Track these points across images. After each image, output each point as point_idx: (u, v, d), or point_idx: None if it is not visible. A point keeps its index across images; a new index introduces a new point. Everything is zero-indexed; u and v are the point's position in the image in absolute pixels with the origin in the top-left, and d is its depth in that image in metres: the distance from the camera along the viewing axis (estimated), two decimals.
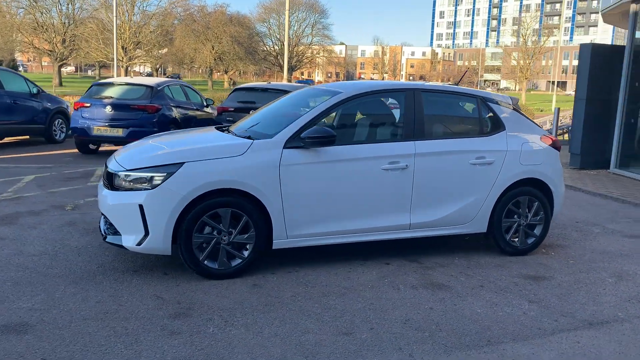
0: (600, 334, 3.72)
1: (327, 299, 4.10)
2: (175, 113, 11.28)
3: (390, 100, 5.35)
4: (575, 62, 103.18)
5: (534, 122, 5.65)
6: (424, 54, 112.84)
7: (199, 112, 12.51)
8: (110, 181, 4.44)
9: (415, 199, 4.86)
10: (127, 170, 4.32)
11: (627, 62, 10.68)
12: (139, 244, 4.23)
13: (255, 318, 3.73)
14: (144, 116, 10.59)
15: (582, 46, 11.28)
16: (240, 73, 75.34)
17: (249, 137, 4.65)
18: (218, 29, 55.82)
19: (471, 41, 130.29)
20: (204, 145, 4.56)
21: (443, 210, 4.98)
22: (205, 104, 13.02)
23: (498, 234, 5.20)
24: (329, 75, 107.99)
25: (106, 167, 4.68)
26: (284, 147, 4.47)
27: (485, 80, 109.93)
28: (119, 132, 10.48)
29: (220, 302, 3.97)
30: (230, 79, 63.18)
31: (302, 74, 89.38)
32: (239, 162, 4.34)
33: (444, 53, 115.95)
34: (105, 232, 4.55)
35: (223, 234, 4.34)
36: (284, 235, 4.51)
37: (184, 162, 4.24)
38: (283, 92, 11.22)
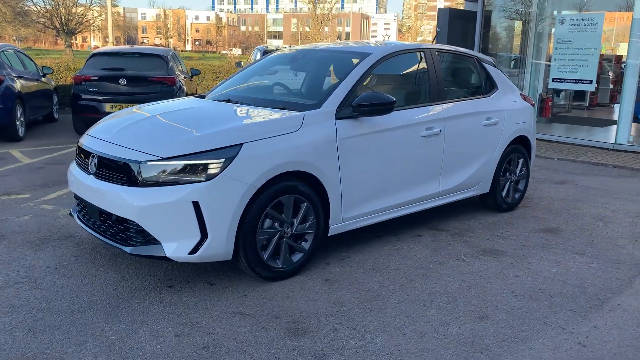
0: None
1: (417, 283, 3.72)
2: (18, 86, 9.15)
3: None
4: (348, 29, 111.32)
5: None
6: (208, 18, 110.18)
7: (37, 83, 10.37)
8: (127, 174, 3.35)
9: (444, 166, 4.66)
10: (164, 158, 3.29)
11: (479, 24, 11.71)
12: (194, 251, 3.29)
13: (378, 319, 3.20)
14: None
15: (440, 10, 12.04)
16: (15, 39, 64.39)
17: (282, 108, 3.91)
18: None
19: (252, 6, 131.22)
20: (254, 120, 3.69)
21: (463, 175, 4.87)
22: (42, 73, 10.83)
23: (498, 193, 5.30)
24: (107, 39, 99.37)
25: (95, 153, 3.54)
26: (336, 119, 3.86)
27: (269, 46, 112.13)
28: None
29: (318, 307, 3.32)
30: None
31: (84, 39, 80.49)
32: (297, 138, 3.62)
33: (228, 18, 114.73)
34: (118, 241, 3.46)
35: (286, 226, 3.62)
36: (339, 219, 3.95)
37: (242, 143, 3.38)
38: (156, 56, 9.91)
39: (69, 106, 12.82)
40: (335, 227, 3.95)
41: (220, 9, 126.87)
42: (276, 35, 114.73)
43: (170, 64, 9.90)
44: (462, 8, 12.80)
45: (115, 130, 3.72)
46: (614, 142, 9.48)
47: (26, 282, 3.54)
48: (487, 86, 5.24)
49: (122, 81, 9.26)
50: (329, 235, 3.94)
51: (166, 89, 9.48)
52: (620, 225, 5.18)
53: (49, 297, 3.34)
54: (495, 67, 5.40)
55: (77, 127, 9.65)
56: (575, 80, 9.83)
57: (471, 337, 3.04)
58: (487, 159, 5.05)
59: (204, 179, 3.26)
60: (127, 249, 3.39)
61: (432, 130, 4.45)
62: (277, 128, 3.58)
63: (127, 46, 10.91)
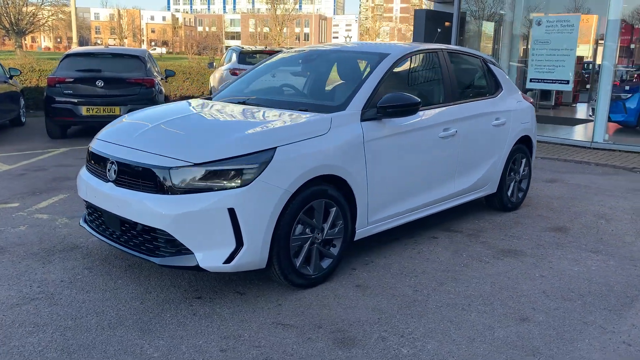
0: None
1: (448, 286, 3.67)
2: None
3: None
4: (307, 30, 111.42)
5: None
6: (164, 18, 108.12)
7: (4, 85, 9.88)
8: (155, 181, 3.18)
9: (458, 167, 4.64)
10: (196, 164, 3.12)
11: (456, 25, 11.84)
12: (229, 260, 3.14)
13: (422, 325, 3.13)
14: None
15: (417, 11, 12.14)
16: None
17: (306, 110, 3.81)
18: None
19: (209, 7, 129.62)
20: (283, 123, 3.56)
21: (475, 175, 4.87)
22: (9, 75, 10.34)
23: (504, 193, 5.32)
24: (59, 40, 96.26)
25: (114, 160, 3.36)
26: (361, 120, 3.77)
27: (227, 47, 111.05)
28: None
29: (357, 314, 3.22)
30: None
31: (33, 40, 77.59)
32: (326, 141, 3.51)
33: (184, 18, 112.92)
34: (143, 252, 3.29)
35: (317, 232, 3.51)
36: (365, 223, 3.87)
37: (276, 147, 3.25)
38: (133, 57, 9.60)
39: (35, 109, 12.34)
40: (362, 231, 3.86)
41: (176, 9, 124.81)
42: (234, 36, 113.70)
43: (148, 65, 9.61)
44: (429, 8, 12.94)
45: (136, 135, 3.53)
46: (591, 140, 9.74)
47: (43, 298, 3.31)
48: (493, 86, 5.26)
49: (99, 83, 8.92)
50: (355, 239, 3.85)
51: (145, 90, 9.20)
52: (622, 222, 5.28)
53: (73, 313, 3.13)
54: (499, 67, 5.43)
55: (50, 131, 9.24)
56: (553, 80, 10.05)
57: (519, 340, 3.01)
58: (496, 159, 5.07)
59: (239, 185, 3.12)
60: (156, 260, 3.21)
61: (448, 131, 4.42)
62: (307, 131, 3.47)
63: (101, 46, 10.53)
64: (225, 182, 3.12)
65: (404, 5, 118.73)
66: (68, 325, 3.00)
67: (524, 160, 5.54)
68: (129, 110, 8.86)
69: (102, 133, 3.88)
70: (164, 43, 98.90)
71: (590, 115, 11.86)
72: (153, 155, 3.25)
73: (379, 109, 3.80)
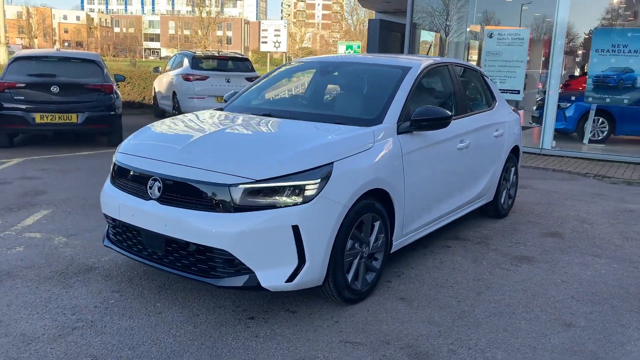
0: None
1: (486, 295, 3.77)
2: None
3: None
4: (229, 33, 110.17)
5: None
6: (78, 18, 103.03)
7: None
8: (212, 199, 3.04)
9: (469, 177, 4.78)
10: (258, 181, 3.02)
11: (408, 36, 12.18)
12: (291, 279, 3.06)
13: (482, 336, 3.20)
14: None
15: (371, 21, 12.36)
16: None
17: (342, 123, 3.78)
18: None
19: (126, 7, 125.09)
20: (334, 137, 3.49)
21: (480, 185, 5.03)
22: None
23: (499, 200, 5.54)
24: None
25: (157, 176, 3.19)
26: (397, 133, 3.80)
27: (146, 49, 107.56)
28: None
29: (416, 328, 3.24)
30: None
31: None
32: (373, 155, 3.51)
33: (100, 19, 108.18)
34: (195, 273, 3.13)
35: (364, 246, 3.50)
36: (400, 235, 3.90)
37: (333, 162, 3.21)
38: (89, 61, 9.11)
39: None
40: (397, 243, 3.89)
41: (91, 9, 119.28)
42: (153, 38, 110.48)
43: (105, 70, 9.15)
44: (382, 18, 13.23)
45: (177, 150, 3.35)
46: (540, 147, 10.34)
47: (85, 327, 3.07)
48: (490, 99, 5.47)
49: (54, 89, 8.39)
50: (391, 251, 3.87)
51: (103, 97, 8.76)
52: (603, 226, 5.64)
53: (127, 342, 2.93)
54: (491, 80, 5.65)
55: None
56: (504, 90, 10.56)
57: (575, 345, 3.14)
58: (495, 169, 5.27)
59: (301, 201, 3.05)
60: (214, 282, 3.07)
61: (464, 142, 4.55)
62: (358, 145, 3.45)
63: (52, 49, 9.90)
64: (286, 199, 3.05)
65: (325, 12, 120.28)
66: (128, 355, 2.80)
67: (513, 169, 5.79)
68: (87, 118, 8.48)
69: (129, 147, 3.66)
70: (78, 44, 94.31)
71: (530, 123, 12.57)
72: (208, 172, 3.10)
73: (413, 122, 3.85)
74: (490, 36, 10.66)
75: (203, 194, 3.08)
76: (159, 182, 3.22)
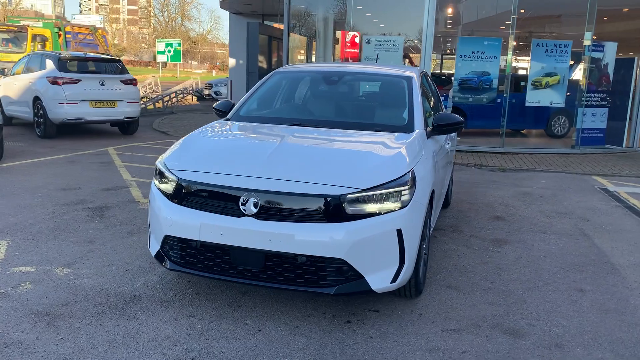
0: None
1: (507, 274, 4.33)
2: None
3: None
4: None
5: None
6: None
7: None
8: (319, 210, 3.11)
9: (447, 172, 5.34)
10: (364, 189, 3.16)
11: (286, 41, 12.52)
12: (394, 279, 3.27)
13: (553, 310, 3.73)
14: None
15: (250, 24, 12.42)
16: None
17: (379, 131, 4.05)
18: None
19: None
20: (400, 145, 3.71)
21: (448, 179, 5.63)
22: None
23: (449, 192, 6.23)
24: None
25: (252, 191, 3.16)
26: (427, 138, 4.18)
27: None
28: None
29: (489, 310, 3.66)
30: None
31: None
32: (425, 158, 3.84)
33: None
34: (300, 285, 3.18)
35: (425, 242, 3.81)
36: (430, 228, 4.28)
37: (413, 168, 3.46)
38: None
39: None
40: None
41: None
42: None
43: None
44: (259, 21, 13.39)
45: (261, 163, 3.30)
46: None
47: (203, 356, 2.91)
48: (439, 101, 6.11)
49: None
50: None
51: None
52: (521, 208, 6.66)
53: None
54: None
55: None
56: None
57: (600, 305, 3.84)
58: (449, 176, 5.93)
59: (400, 207, 3.27)
60: (327, 290, 3.14)
61: (448, 143, 5.09)
62: (417, 150, 3.74)
63: None
64: (389, 205, 3.24)
65: (132, 7, 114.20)
66: None
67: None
68: None
69: (190, 163, 3.46)
70: None
71: None
72: (316, 185, 3.14)
73: (435, 127, 4.26)
74: (368, 42, 11.51)
75: (310, 207, 3.12)
76: (255, 197, 3.16)
